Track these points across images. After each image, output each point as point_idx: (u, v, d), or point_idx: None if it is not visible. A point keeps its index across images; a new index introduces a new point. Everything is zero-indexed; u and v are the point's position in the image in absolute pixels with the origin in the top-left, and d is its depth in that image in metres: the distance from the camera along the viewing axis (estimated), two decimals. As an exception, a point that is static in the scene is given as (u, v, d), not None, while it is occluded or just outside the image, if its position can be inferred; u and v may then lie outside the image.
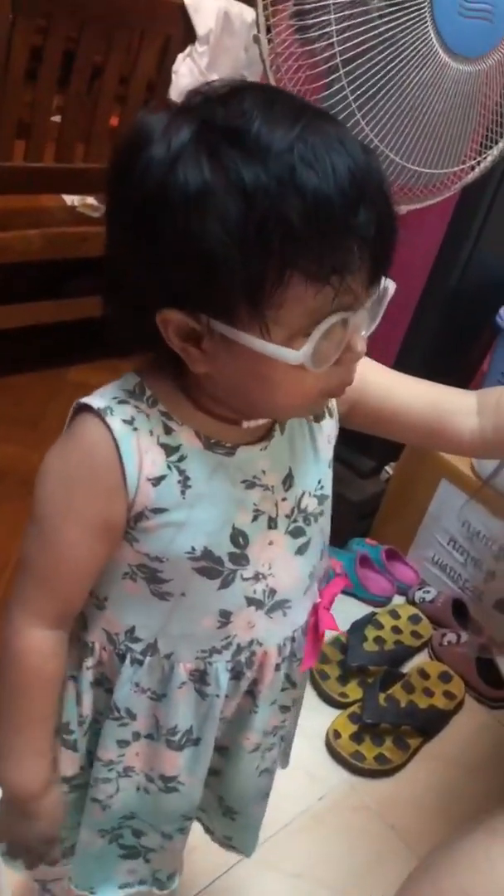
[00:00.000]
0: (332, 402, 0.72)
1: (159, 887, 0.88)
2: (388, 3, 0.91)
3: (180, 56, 1.78)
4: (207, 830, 0.94)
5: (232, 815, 0.87)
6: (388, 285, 0.58)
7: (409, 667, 1.60)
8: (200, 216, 0.50)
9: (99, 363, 2.14)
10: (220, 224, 0.50)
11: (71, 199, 1.97)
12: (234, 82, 0.55)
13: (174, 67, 1.79)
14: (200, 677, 0.71)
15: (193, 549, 0.63)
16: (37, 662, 0.66)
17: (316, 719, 1.46)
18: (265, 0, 0.89)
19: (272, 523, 0.67)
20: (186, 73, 1.77)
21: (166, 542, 0.63)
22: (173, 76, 1.79)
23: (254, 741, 0.79)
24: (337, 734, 1.43)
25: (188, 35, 1.77)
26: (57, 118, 1.77)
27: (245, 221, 0.49)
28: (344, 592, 1.72)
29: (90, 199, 1.99)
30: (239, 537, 0.65)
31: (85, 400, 0.61)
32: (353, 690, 1.51)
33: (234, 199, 0.50)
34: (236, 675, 0.72)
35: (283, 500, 0.68)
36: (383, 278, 0.57)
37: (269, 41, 0.92)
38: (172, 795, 0.77)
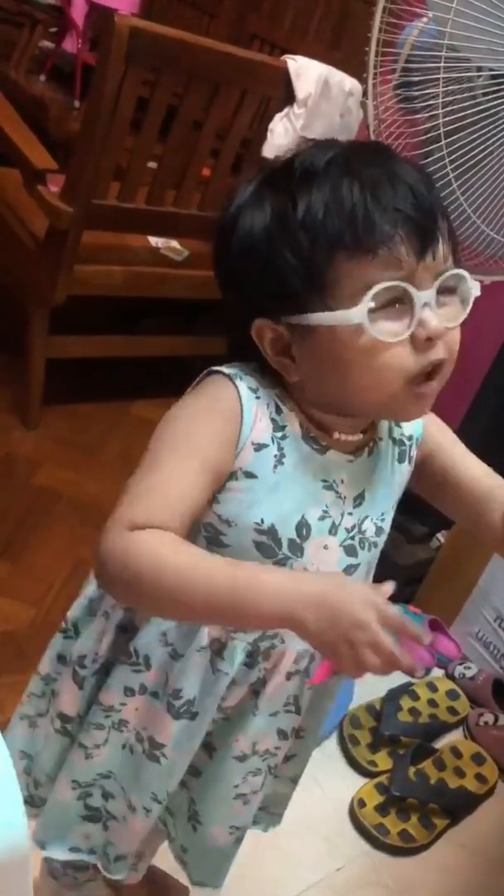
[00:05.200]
0: (413, 450, 0.76)
1: (104, 865, 0.87)
2: (493, 82, 0.93)
3: (277, 116, 1.85)
4: (169, 837, 0.92)
5: (195, 822, 0.86)
6: (464, 274, 0.64)
7: (442, 743, 1.55)
8: (257, 245, 0.64)
9: (161, 400, 2.18)
10: (273, 241, 0.63)
11: (156, 241, 2.04)
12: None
13: (270, 126, 1.86)
14: (219, 649, 0.73)
15: (262, 521, 0.67)
16: (162, 542, 0.60)
17: (342, 785, 1.41)
18: (376, 69, 0.93)
19: (333, 529, 0.71)
20: (282, 133, 1.84)
21: (242, 508, 0.67)
22: (269, 134, 1.86)
23: (241, 746, 0.79)
24: (362, 803, 1.38)
25: (287, 97, 1.84)
26: (153, 164, 1.85)
27: (285, 229, 0.62)
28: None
29: (174, 243, 2.05)
30: (303, 528, 0.69)
31: (216, 367, 0.68)
32: (383, 760, 1.47)
33: (281, 218, 0.62)
34: (250, 661, 0.75)
35: (350, 514, 0.72)
36: (454, 267, 0.64)
37: (374, 108, 0.95)
38: (153, 765, 0.78)
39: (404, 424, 0.76)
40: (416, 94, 0.94)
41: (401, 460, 0.76)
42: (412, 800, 1.39)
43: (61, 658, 0.82)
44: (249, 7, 2.73)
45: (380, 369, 0.63)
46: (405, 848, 1.35)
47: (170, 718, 0.76)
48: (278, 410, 0.68)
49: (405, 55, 0.96)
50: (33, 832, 0.85)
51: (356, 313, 0.61)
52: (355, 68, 1.81)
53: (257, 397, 0.67)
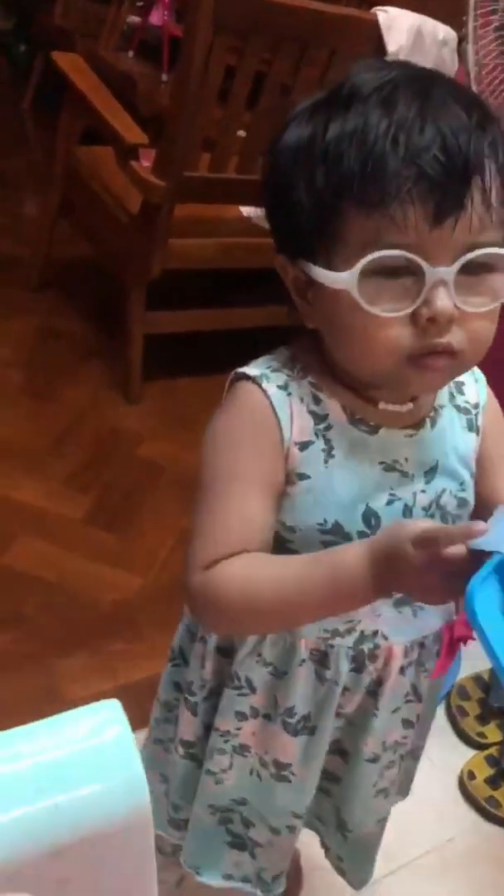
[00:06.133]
0: (480, 419, 0.71)
1: (263, 889, 0.87)
2: None
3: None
4: (323, 845, 0.93)
5: (345, 831, 0.86)
6: (501, 256, 0.56)
7: None
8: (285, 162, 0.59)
9: (257, 372, 2.18)
10: (296, 167, 0.58)
11: (248, 211, 2.03)
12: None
13: (362, 84, 1.80)
14: (321, 659, 0.71)
15: (325, 521, 0.63)
16: (241, 569, 0.60)
17: (451, 756, 1.40)
18: (476, 11, 0.88)
19: (407, 512, 0.66)
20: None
21: (302, 512, 0.64)
22: (360, 92, 1.80)
23: (371, 748, 0.77)
24: (472, 775, 1.36)
25: (379, 51, 1.77)
26: (242, 133, 1.83)
27: (309, 156, 0.56)
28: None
29: (265, 212, 2.03)
30: (371, 517, 0.65)
31: (241, 369, 0.65)
32: (492, 732, 1.44)
33: (310, 141, 0.57)
34: (358, 666, 0.72)
35: (423, 491, 0.67)
36: (499, 242, 0.56)
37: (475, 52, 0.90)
38: (284, 785, 0.77)
39: (467, 391, 0.70)
40: (521, 34, 0.88)
41: (469, 428, 0.69)
42: (524, 773, 1.36)
43: (177, 686, 0.82)
44: (336, -39, 2.64)
45: (371, 344, 0.56)
46: (518, 821, 1.32)
47: (288, 737, 0.74)
48: (316, 400, 0.63)
49: (508, -7, 0.90)
50: (184, 858, 0.86)
51: (345, 278, 0.54)
52: (449, 14, 1.73)
53: (288, 394, 0.63)
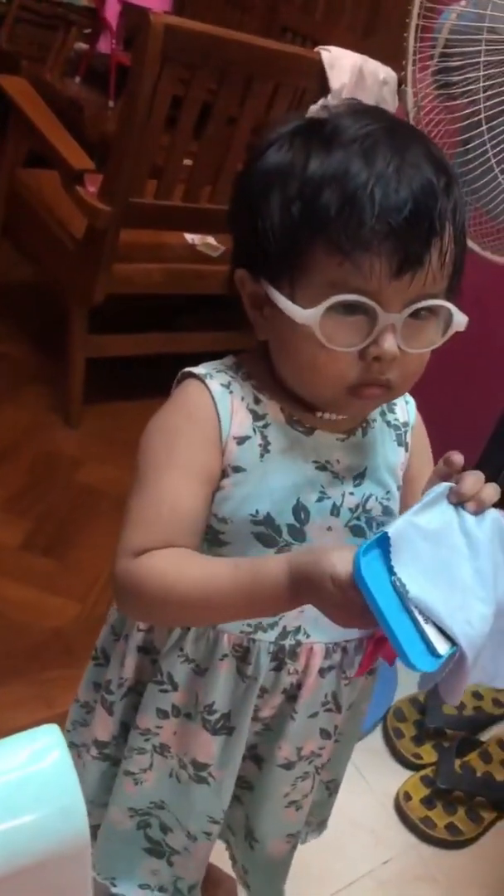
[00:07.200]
0: (408, 436, 0.75)
1: None
2: (535, 65, 0.92)
3: (312, 108, 1.83)
4: (231, 857, 0.93)
5: (252, 840, 0.86)
6: (448, 307, 0.61)
7: (488, 735, 1.54)
8: (256, 178, 0.61)
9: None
10: (270, 191, 0.60)
11: (192, 238, 2.05)
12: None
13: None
14: (243, 655, 0.72)
15: (257, 511, 0.66)
16: (165, 562, 0.62)
17: (387, 778, 1.41)
18: (415, 56, 0.92)
19: (335, 510, 0.69)
20: (316, 126, 1.82)
21: (236, 504, 0.66)
22: (303, 127, 1.85)
23: (286, 754, 0.78)
24: (408, 796, 1.38)
25: (322, 88, 1.83)
26: (188, 161, 1.86)
27: (286, 185, 0.59)
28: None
29: (210, 239, 2.06)
30: (301, 512, 0.67)
31: (188, 369, 0.68)
32: (428, 753, 1.46)
33: (289, 169, 0.59)
34: (279, 664, 0.73)
35: (351, 493, 0.70)
36: (443, 295, 0.61)
37: (414, 95, 0.94)
38: (202, 787, 0.77)
39: (397, 410, 0.75)
40: (456, 79, 0.93)
41: (399, 443, 0.74)
42: (459, 793, 1.38)
43: (96, 686, 0.83)
44: (281, -1, 2.72)
45: (320, 373, 0.61)
46: (453, 841, 1.34)
47: (208, 735, 0.75)
48: (256, 401, 0.67)
49: (443, 40, 0.95)
50: (97, 869, 0.84)
51: (308, 315, 0.58)
52: (390, 55, 1.80)
53: (230, 391, 0.66)
